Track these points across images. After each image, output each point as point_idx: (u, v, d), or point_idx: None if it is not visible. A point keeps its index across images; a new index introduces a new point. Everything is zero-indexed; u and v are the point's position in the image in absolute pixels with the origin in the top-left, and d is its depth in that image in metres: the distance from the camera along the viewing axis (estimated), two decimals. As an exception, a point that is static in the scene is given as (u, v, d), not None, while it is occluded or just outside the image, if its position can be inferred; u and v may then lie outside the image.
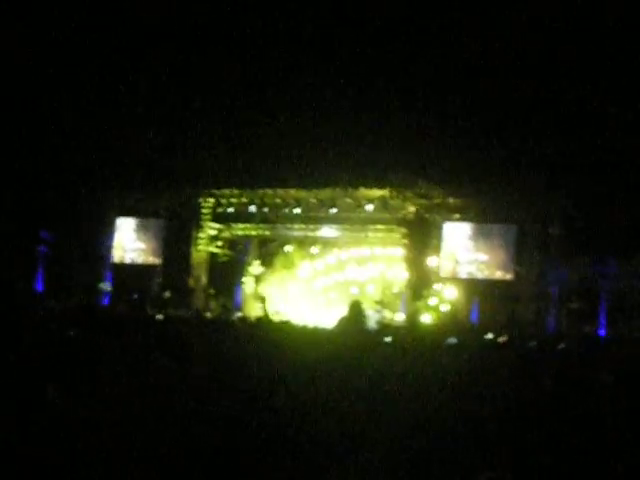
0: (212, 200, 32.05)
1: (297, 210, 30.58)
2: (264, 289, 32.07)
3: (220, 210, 32.12)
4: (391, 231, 29.90)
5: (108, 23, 29.05)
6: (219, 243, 32.96)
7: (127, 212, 32.90)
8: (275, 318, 24.57)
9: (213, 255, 32.86)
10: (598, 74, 26.09)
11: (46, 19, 28.31)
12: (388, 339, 13.32)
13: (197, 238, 32.17)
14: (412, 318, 26.69)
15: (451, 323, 25.19)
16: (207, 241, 32.37)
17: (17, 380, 5.16)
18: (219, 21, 29.54)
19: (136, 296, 31.40)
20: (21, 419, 4.63)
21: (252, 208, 31.26)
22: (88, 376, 6.69)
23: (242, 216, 31.95)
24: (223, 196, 31.87)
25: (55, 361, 6.90)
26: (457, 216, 28.21)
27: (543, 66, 26.70)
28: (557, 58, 26.40)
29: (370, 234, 30.87)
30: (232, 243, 33.35)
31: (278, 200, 30.99)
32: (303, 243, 33.38)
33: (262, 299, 30.19)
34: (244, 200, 31.57)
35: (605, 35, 25.69)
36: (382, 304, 29.37)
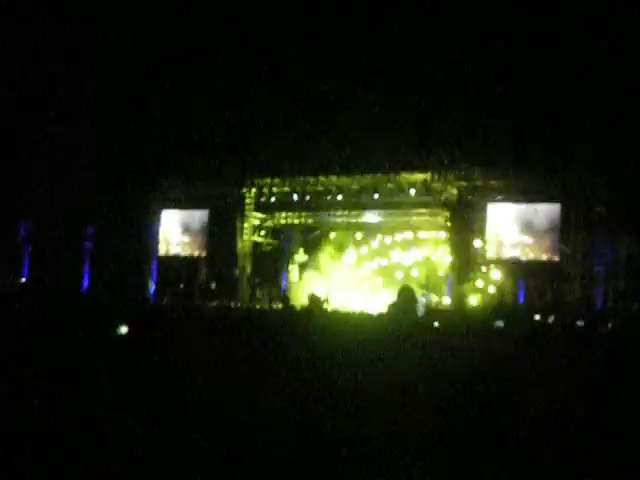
0: (255, 190, 32.17)
1: (339, 197, 30.59)
2: (315, 285, 32.16)
3: (263, 200, 32.23)
4: (434, 214, 29.80)
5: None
6: (263, 232, 33.12)
7: (171, 205, 33.15)
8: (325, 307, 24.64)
9: (257, 245, 33.00)
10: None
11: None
12: (436, 323, 13.37)
13: (241, 228, 32.32)
14: (459, 301, 26.65)
15: (498, 305, 25.12)
16: (251, 231, 32.50)
17: (74, 375, 5.25)
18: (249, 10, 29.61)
19: (182, 286, 31.69)
20: (76, 411, 4.72)
21: (294, 196, 31.34)
22: (145, 371, 6.81)
23: (285, 205, 32.06)
24: (265, 185, 31.98)
25: (111, 356, 7.02)
26: (500, 197, 28.04)
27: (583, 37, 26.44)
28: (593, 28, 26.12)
29: (413, 218, 30.79)
30: (276, 232, 33.48)
31: (320, 188, 31.01)
32: (347, 230, 33.42)
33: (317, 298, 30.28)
34: (286, 189, 31.66)
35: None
36: (428, 288, 29.35)
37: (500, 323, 14.86)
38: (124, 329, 8.42)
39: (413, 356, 7.69)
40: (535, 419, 6.29)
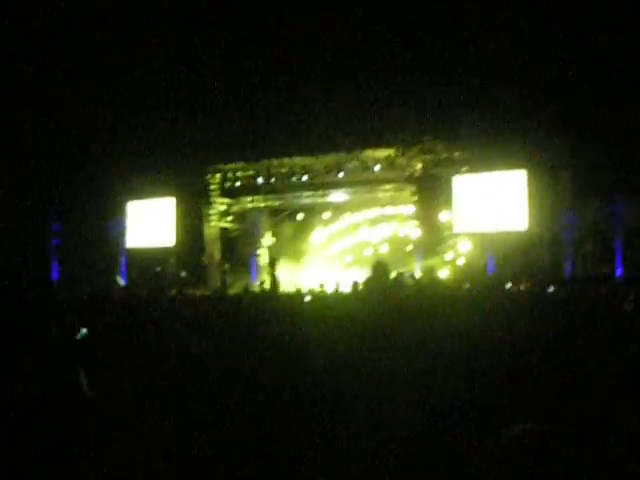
0: (219, 175, 32.12)
1: (304, 177, 30.56)
2: (272, 256, 32.14)
3: (228, 184, 32.18)
4: (400, 190, 29.82)
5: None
6: (230, 218, 33.05)
7: (136, 196, 32.96)
8: (284, 286, 24.64)
9: (225, 230, 32.94)
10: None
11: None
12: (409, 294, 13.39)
13: (207, 215, 32.27)
14: (428, 274, 26.72)
15: (468, 275, 25.22)
16: (218, 217, 32.47)
17: (46, 367, 5.20)
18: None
19: (150, 277, 31.58)
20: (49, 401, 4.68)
21: (259, 180, 31.28)
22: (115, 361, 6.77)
23: (250, 188, 32.01)
24: (229, 170, 31.92)
25: (79, 347, 6.97)
26: (465, 168, 28.08)
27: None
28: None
29: (380, 195, 30.79)
30: (243, 217, 33.44)
31: (284, 169, 30.97)
32: (313, 210, 33.42)
33: (271, 265, 30.23)
34: (250, 172, 31.60)
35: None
36: (397, 263, 29.41)
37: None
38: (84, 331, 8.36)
39: (393, 325, 7.70)
40: (508, 379, 6.32)
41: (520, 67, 26.62)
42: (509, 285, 19.62)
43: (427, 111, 27.37)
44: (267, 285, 26.36)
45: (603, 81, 25.67)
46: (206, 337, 8.66)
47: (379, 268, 9.45)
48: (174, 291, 22.76)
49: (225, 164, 31.74)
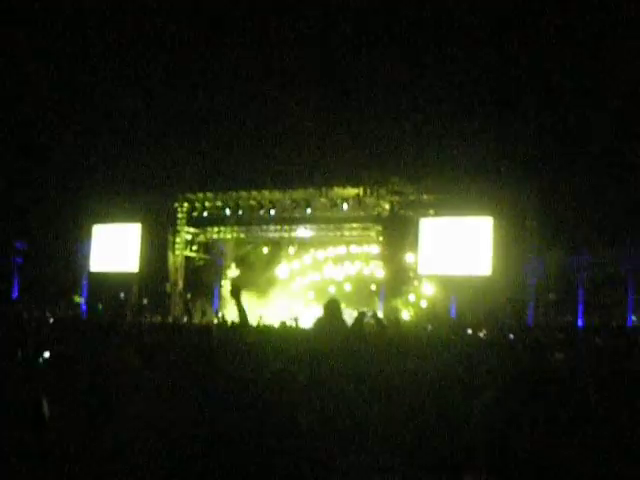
0: (187, 204, 32.00)
1: (272, 212, 30.50)
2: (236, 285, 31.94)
3: (195, 214, 32.06)
4: (367, 229, 29.87)
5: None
6: (195, 247, 32.89)
7: (103, 219, 32.71)
8: (250, 319, 24.44)
9: (189, 259, 32.77)
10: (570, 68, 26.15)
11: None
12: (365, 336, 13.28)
13: (173, 243, 32.08)
14: (391, 315, 26.65)
15: (430, 319, 25.17)
16: (183, 245, 32.30)
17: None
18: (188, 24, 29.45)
19: (113, 303, 31.29)
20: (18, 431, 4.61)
21: (227, 211, 31.17)
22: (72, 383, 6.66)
23: (217, 219, 31.89)
24: (198, 200, 31.81)
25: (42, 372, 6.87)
26: (432, 212, 28.16)
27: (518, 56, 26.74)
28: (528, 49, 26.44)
29: (346, 233, 30.78)
30: (208, 247, 33.29)
31: (253, 202, 30.88)
32: (279, 244, 33.32)
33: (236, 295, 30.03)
34: (218, 203, 31.50)
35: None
36: (360, 302, 29.33)
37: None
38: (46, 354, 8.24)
39: (342, 368, 7.62)
40: (464, 428, 6.26)
41: (490, 116, 26.85)
42: (469, 331, 19.58)
43: (397, 153, 27.50)
44: (233, 316, 26.20)
45: (571, 136, 25.94)
46: (166, 367, 8.55)
47: (330, 307, 9.38)
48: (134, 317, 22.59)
49: (194, 193, 31.63)
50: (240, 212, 31.18)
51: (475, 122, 26.92)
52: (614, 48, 25.20)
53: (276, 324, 20.35)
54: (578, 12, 25.46)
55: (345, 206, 29.23)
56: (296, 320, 22.04)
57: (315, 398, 6.77)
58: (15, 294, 32.23)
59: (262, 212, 30.68)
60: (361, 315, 11.01)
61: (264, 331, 15.77)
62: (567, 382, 7.42)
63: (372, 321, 19.01)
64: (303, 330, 16.14)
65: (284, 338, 12.75)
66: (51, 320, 17.76)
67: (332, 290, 32.65)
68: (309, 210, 29.89)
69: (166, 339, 12.82)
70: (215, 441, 5.75)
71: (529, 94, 26.62)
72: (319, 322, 9.80)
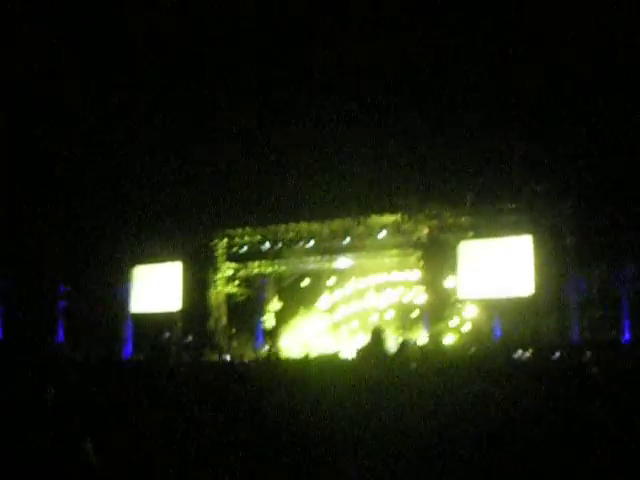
0: (225, 240, 32.16)
1: (311, 243, 30.58)
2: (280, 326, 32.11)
3: (234, 250, 32.21)
4: (406, 255, 29.75)
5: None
6: (236, 282, 32.96)
7: (142, 260, 32.97)
8: (292, 354, 24.54)
9: (231, 295, 32.86)
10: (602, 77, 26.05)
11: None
12: (412, 364, 13.29)
13: (214, 280, 32.20)
14: (434, 341, 26.58)
15: (475, 342, 25.07)
16: (224, 282, 32.40)
17: (51, 432, 5.20)
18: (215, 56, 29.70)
19: (158, 342, 31.47)
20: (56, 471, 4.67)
21: (266, 245, 31.31)
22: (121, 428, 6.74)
23: (256, 254, 31.99)
24: (237, 235, 31.97)
25: (88, 414, 6.94)
26: (471, 234, 28.08)
27: (548, 66, 26.65)
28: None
29: (386, 260, 30.65)
30: (249, 281, 33.34)
31: (291, 235, 31.00)
32: (319, 276, 33.29)
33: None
34: (257, 238, 31.64)
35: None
36: (404, 329, 29.29)
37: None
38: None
39: (389, 397, 7.65)
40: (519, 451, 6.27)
41: (524, 133, 26.77)
42: (520, 351, 19.53)
43: (433, 177, 27.49)
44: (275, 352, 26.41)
45: (606, 147, 25.80)
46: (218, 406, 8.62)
47: (376, 336, 9.43)
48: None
49: (232, 229, 31.80)
50: (279, 245, 31.30)
51: (509, 139, 26.83)
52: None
53: (321, 355, 20.42)
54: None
55: (383, 233, 29.26)
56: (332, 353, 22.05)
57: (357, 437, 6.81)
58: (60, 338, 32.56)
59: (301, 244, 30.78)
60: (404, 345, 11.05)
61: (310, 364, 15.82)
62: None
63: (414, 349, 19.04)
64: (348, 361, 16.19)
65: (331, 370, 12.80)
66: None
67: (374, 318, 32.56)
68: (348, 239, 29.95)
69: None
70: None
71: (562, 108, 26.49)
72: (363, 351, 9.87)
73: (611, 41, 25.31)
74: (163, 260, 32.52)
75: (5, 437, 4.68)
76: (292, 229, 30.91)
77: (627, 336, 25.51)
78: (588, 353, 18.22)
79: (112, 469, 5.26)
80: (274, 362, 18.35)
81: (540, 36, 26.10)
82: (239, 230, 31.75)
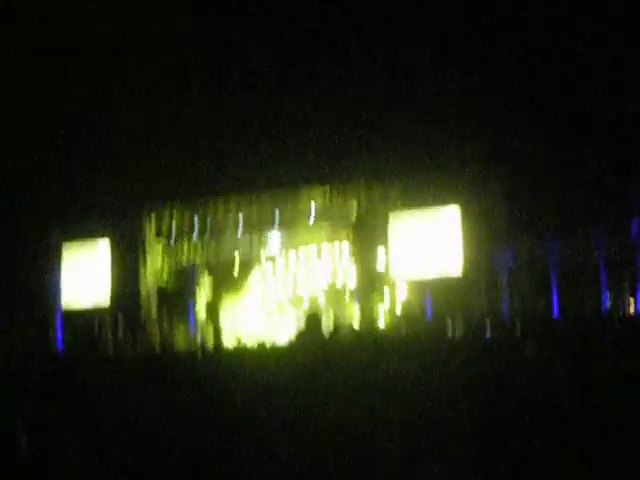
0: (154, 218, 31.77)
1: (239, 217, 30.44)
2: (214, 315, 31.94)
3: (164, 228, 31.83)
4: (337, 229, 29.74)
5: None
6: (165, 274, 32.65)
7: (71, 237, 32.26)
8: (230, 343, 24.49)
9: (161, 288, 32.54)
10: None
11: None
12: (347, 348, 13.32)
13: (145, 271, 31.81)
14: (367, 323, 26.68)
15: (407, 324, 25.22)
16: (154, 273, 32.05)
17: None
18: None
19: (90, 337, 31.05)
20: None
21: (195, 220, 31.10)
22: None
23: (185, 233, 31.69)
24: (165, 213, 31.63)
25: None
26: (400, 204, 28.04)
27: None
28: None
29: (315, 234, 30.57)
30: (179, 272, 33.05)
31: (220, 209, 30.74)
32: (250, 261, 33.13)
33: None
34: (186, 214, 31.36)
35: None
36: (335, 311, 29.33)
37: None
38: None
39: (328, 383, 7.66)
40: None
41: (453, 99, 26.83)
42: (449, 333, 19.71)
43: (361, 147, 27.47)
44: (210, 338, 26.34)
45: (537, 115, 26.00)
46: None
47: (311, 321, 9.44)
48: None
49: (160, 206, 31.42)
50: (208, 222, 31.10)
51: (436, 107, 26.89)
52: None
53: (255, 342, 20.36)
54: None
55: (312, 206, 29.28)
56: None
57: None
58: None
59: (230, 217, 30.65)
60: (337, 328, 11.10)
61: (246, 353, 15.82)
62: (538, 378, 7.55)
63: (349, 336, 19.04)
64: (283, 347, 16.17)
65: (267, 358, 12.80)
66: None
67: (306, 302, 32.60)
68: (277, 212, 29.95)
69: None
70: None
71: (494, 74, 26.59)
72: (300, 336, 9.86)
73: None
74: (92, 237, 31.95)
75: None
76: (220, 202, 30.67)
77: (556, 310, 25.83)
78: (519, 329, 18.42)
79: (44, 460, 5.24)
80: (208, 353, 18.27)
81: None
82: (167, 204, 31.34)
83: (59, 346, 31.56)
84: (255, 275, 33.72)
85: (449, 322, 22.80)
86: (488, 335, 17.22)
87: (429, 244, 27.35)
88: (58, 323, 32.28)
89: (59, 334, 32.08)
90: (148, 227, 31.91)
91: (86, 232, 32.06)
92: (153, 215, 31.86)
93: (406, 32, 27.11)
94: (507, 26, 26.08)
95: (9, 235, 31.04)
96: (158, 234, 32.09)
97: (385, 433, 6.51)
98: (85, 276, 32.01)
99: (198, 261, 33.07)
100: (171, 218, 31.66)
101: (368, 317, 27.07)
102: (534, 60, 26.20)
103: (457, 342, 16.43)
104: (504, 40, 26.27)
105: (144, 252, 31.80)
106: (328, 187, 28.91)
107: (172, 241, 32.26)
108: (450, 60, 26.81)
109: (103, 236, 31.89)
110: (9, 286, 31.25)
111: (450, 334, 19.68)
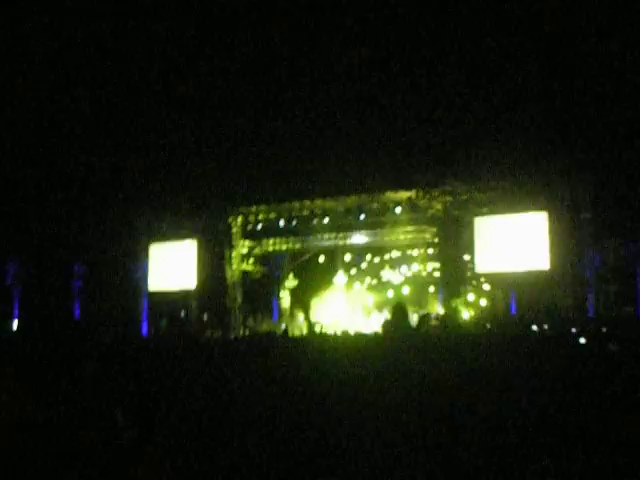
0: (241, 218, 32.17)
1: (326, 220, 30.57)
2: (301, 303, 32.22)
3: (250, 227, 32.21)
4: (421, 231, 29.76)
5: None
6: (251, 260, 32.99)
7: (159, 238, 33.08)
8: (317, 330, 24.70)
9: (246, 273, 32.92)
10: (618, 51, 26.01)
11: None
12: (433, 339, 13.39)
13: (229, 258, 32.23)
14: (450, 316, 26.64)
15: (491, 317, 25.16)
16: (239, 260, 32.44)
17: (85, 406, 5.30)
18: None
19: (174, 320, 31.57)
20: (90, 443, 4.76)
21: (281, 222, 31.33)
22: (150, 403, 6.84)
23: (272, 231, 31.99)
24: (251, 213, 31.99)
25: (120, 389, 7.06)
26: (486, 209, 28.03)
27: (561, 47, 26.61)
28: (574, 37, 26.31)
29: (401, 236, 30.68)
30: (264, 259, 33.41)
31: (306, 212, 30.99)
32: (335, 252, 33.36)
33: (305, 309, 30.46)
34: (272, 215, 31.66)
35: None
36: (419, 305, 29.39)
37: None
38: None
39: (411, 370, 7.75)
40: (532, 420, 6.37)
41: (540, 108, 26.72)
42: (535, 327, 19.57)
43: (448, 152, 27.47)
44: (304, 328, 26.61)
45: (622, 122, 25.74)
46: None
47: (398, 311, 9.52)
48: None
49: (247, 207, 31.81)
50: (294, 222, 31.31)
51: (523, 116, 26.80)
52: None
53: (337, 332, 20.52)
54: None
55: (398, 209, 29.23)
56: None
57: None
58: (77, 317, 32.66)
59: (316, 221, 30.79)
60: (426, 317, 11.17)
61: (329, 340, 15.91)
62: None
63: (436, 323, 19.10)
64: (367, 335, 16.27)
65: (351, 345, 12.90)
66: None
67: (390, 294, 32.70)
68: (362, 216, 29.94)
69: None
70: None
71: (579, 84, 26.44)
72: (386, 325, 9.96)
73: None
74: (179, 238, 32.64)
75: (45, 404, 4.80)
76: (307, 206, 30.91)
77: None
78: (604, 329, 18.28)
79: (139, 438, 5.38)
80: (291, 338, 18.43)
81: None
82: (254, 208, 31.75)
83: (146, 330, 32.30)
84: (339, 272, 33.95)
85: (533, 317, 22.67)
86: (573, 331, 17.13)
87: (514, 245, 27.16)
88: (145, 310, 33.04)
89: (146, 319, 32.87)
90: (235, 229, 32.32)
91: (176, 234, 32.81)
92: (240, 217, 32.25)
93: (506, 50, 27.11)
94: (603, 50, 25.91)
95: (102, 237, 32.13)
96: (244, 236, 32.48)
97: (465, 425, 6.56)
98: (176, 267, 32.65)
99: (284, 254, 33.43)
100: (257, 221, 32.03)
101: (452, 311, 27.03)
102: (621, 82, 25.97)
103: (543, 337, 16.37)
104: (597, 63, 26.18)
105: (230, 249, 32.23)
106: (414, 191, 28.83)
107: (258, 241, 32.61)
108: (549, 81, 26.76)
109: (191, 237, 32.53)
110: (105, 278, 32.34)
111: (535, 329, 19.56)
